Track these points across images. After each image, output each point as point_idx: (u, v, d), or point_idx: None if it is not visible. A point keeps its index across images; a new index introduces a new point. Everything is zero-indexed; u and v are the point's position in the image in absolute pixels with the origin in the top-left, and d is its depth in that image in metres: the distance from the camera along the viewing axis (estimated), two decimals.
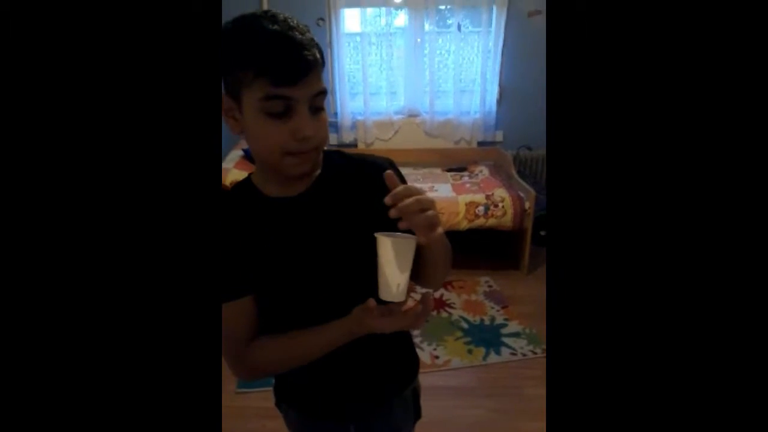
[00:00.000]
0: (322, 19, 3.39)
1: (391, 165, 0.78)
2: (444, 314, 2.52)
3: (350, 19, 3.49)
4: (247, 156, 3.05)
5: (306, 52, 0.62)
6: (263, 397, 2.01)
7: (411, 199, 0.61)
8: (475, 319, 2.47)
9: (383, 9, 3.37)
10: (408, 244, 0.67)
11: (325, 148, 0.74)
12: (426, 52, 3.39)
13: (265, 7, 3.37)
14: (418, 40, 3.39)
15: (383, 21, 3.40)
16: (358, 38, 3.44)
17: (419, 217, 0.62)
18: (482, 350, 2.23)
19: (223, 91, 0.67)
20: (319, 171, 0.76)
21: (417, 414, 1.01)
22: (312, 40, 0.64)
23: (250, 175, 0.79)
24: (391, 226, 0.65)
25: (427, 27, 3.37)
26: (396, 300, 0.69)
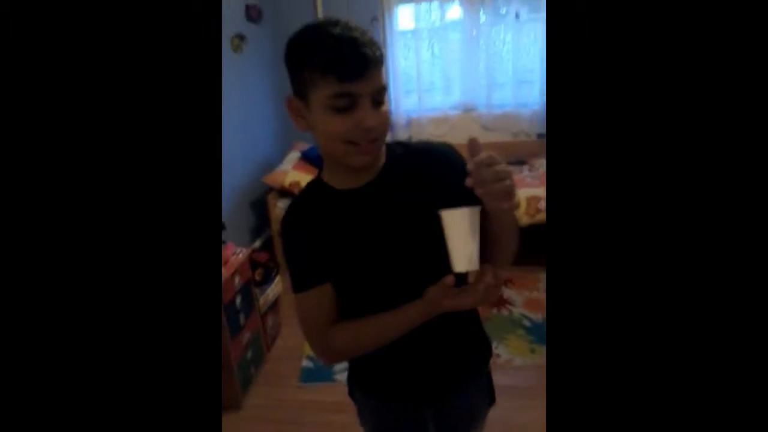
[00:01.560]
0: (376, 18, 3.40)
1: (451, 148, 0.83)
2: (504, 312, 2.43)
3: (403, 16, 3.47)
4: (305, 157, 3.12)
5: (367, 50, 0.67)
6: (325, 390, 2.04)
7: (491, 169, 0.64)
8: (537, 317, 2.37)
9: (436, 3, 3.33)
10: (472, 213, 0.69)
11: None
12: (481, 43, 3.30)
13: (320, 9, 3.43)
14: (474, 32, 3.31)
15: (434, 15, 3.35)
16: (410, 35, 3.42)
17: (496, 186, 0.64)
18: (545, 349, 2.13)
19: (291, 93, 0.75)
20: (383, 162, 0.81)
21: (491, 398, 1.02)
22: (372, 39, 0.69)
23: (319, 173, 0.84)
24: (455, 206, 0.69)
25: (482, 18, 3.28)
26: (470, 269, 0.71)
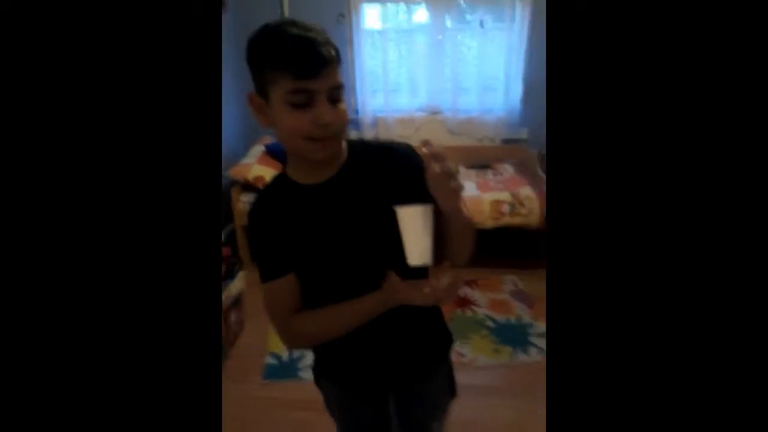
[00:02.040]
0: (342, 15, 3.38)
1: (410, 149, 0.87)
2: (469, 313, 2.47)
3: (370, 16, 3.47)
4: (269, 152, 3.05)
5: (323, 49, 0.71)
6: (288, 388, 1.99)
7: (441, 164, 0.70)
8: (501, 318, 2.42)
9: (403, 5, 3.35)
10: (425, 210, 0.74)
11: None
12: (447, 48, 3.36)
13: (286, 5, 3.37)
14: (440, 36, 3.35)
15: (401, 17, 3.37)
16: (377, 35, 3.43)
17: (447, 183, 0.70)
18: (509, 349, 2.18)
19: (254, 90, 0.78)
20: (344, 158, 0.84)
21: (452, 391, 1.07)
22: (328, 40, 0.73)
23: (284, 168, 0.87)
24: (412, 201, 0.73)
25: (448, 23, 3.33)
26: (424, 263, 0.75)
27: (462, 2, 3.31)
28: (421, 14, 3.42)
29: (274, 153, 3.03)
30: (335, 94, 0.74)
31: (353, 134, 3.44)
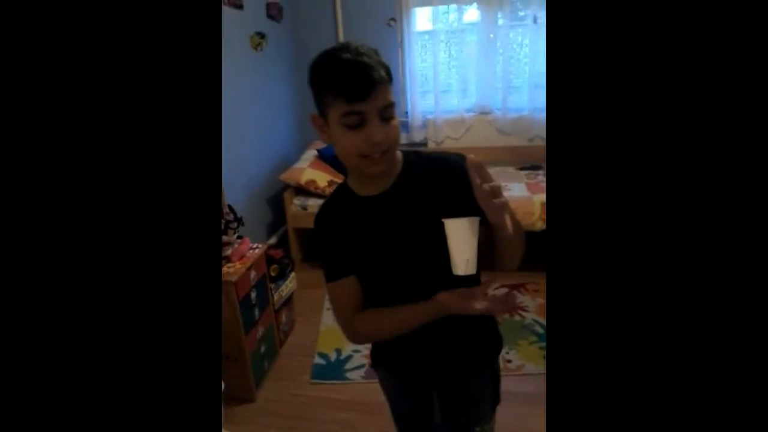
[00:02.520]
0: (394, 20, 3.41)
1: (463, 160, 0.87)
2: (517, 318, 2.43)
3: (421, 18, 3.48)
4: (321, 156, 3.14)
5: (373, 73, 0.76)
6: (337, 389, 2.06)
7: (488, 185, 0.74)
8: None
9: (454, 5, 3.33)
10: (471, 223, 0.78)
11: (400, 149, 0.89)
12: (498, 46, 3.30)
13: (339, 11, 3.45)
14: (491, 35, 3.31)
15: (452, 17, 3.36)
16: (427, 36, 3.43)
17: (492, 201, 0.74)
18: None
19: (316, 111, 0.85)
20: (399, 170, 0.90)
21: (496, 398, 1.09)
22: (379, 62, 0.78)
23: (345, 179, 0.95)
24: (462, 216, 0.78)
25: (500, 21, 3.27)
26: (466, 273, 0.80)
27: None
28: (472, 14, 3.38)
29: (326, 157, 3.12)
30: (387, 112, 0.79)
31: (403, 137, 3.46)
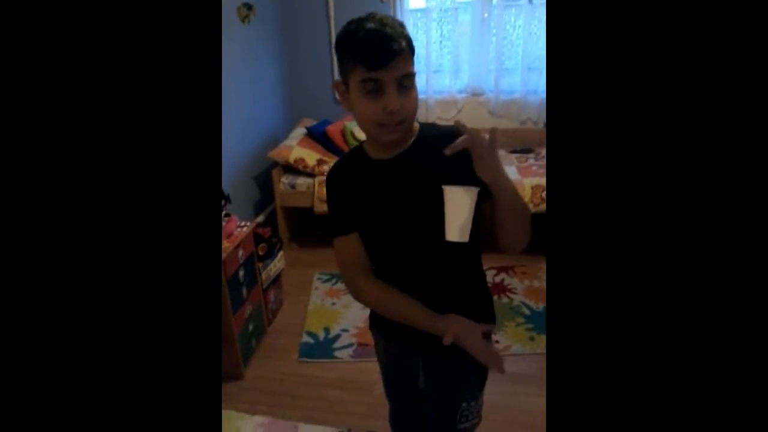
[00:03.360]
0: None
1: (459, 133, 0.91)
2: (505, 299, 2.45)
3: None
4: (310, 134, 3.09)
5: (392, 43, 0.79)
6: (325, 367, 2.06)
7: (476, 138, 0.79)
8: (538, 305, 2.39)
9: None
10: (468, 191, 0.81)
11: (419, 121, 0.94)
12: (492, 26, 3.26)
13: None
14: (485, 14, 3.25)
15: None
16: (419, 14, 3.36)
17: (482, 155, 0.79)
18: (545, 338, 2.16)
19: (339, 78, 0.89)
20: (414, 138, 0.93)
21: (482, 376, 1.10)
22: (402, 33, 0.82)
23: (362, 142, 0.99)
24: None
25: (494, 0, 3.22)
26: (460, 240, 0.82)
27: None
28: None
29: (315, 135, 3.07)
30: (405, 81, 0.82)
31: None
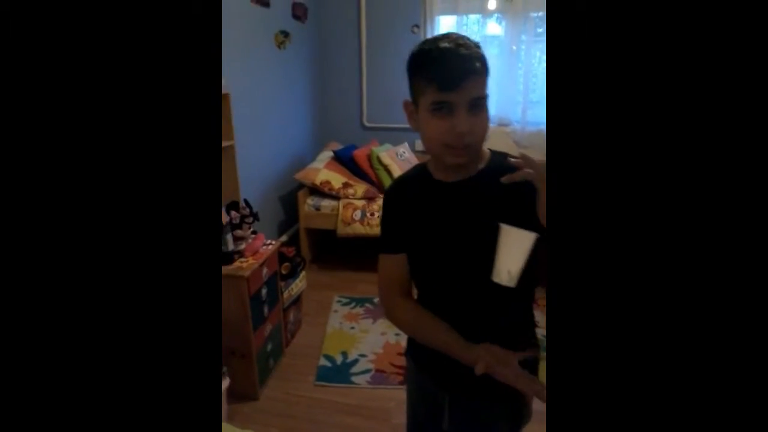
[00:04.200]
0: (417, 26, 3.42)
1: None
2: None
3: (445, 26, 3.48)
4: (337, 157, 3.14)
5: (466, 63, 0.77)
6: (341, 392, 2.03)
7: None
8: None
9: (478, 16, 3.33)
10: (528, 236, 0.76)
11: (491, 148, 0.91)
12: (521, 60, 3.30)
13: (363, 17, 3.46)
14: (514, 47, 3.31)
15: (475, 28, 3.36)
16: None
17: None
18: None
19: (410, 98, 0.87)
20: (482, 166, 0.89)
21: (516, 424, 1.01)
22: (476, 54, 0.79)
23: (427, 162, 0.95)
24: (526, 229, 0.77)
25: (522, 36, 3.27)
26: (505, 284, 0.78)
27: (534, 15, 3.24)
28: (494, 27, 3.38)
29: (342, 159, 3.12)
30: (477, 104, 0.79)
31: (417, 144, 3.46)
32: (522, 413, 1.00)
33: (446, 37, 0.79)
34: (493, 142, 3.39)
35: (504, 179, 0.74)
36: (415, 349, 1.05)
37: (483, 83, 0.80)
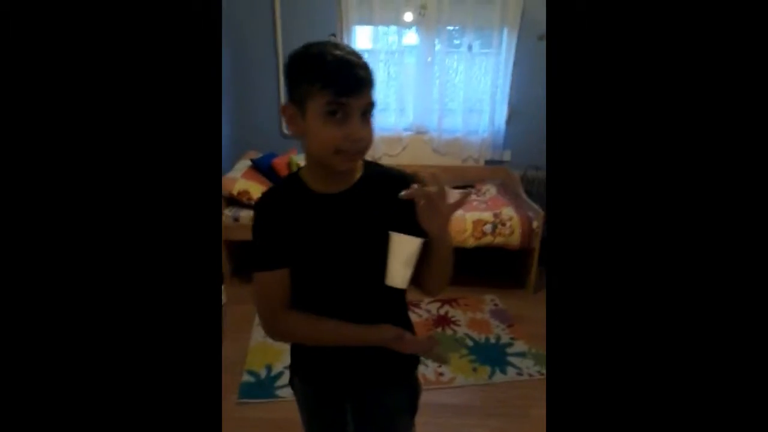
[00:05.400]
0: (334, 35, 3.44)
1: (414, 180, 0.91)
2: (449, 331, 2.48)
3: (361, 36, 3.53)
4: (255, 166, 3.06)
5: (362, 72, 0.80)
6: (267, 408, 1.97)
7: (439, 186, 0.80)
8: (481, 337, 2.44)
9: (394, 27, 3.42)
10: (416, 242, 0.83)
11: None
12: (435, 70, 3.43)
13: (279, 24, 3.42)
14: (429, 59, 3.43)
15: (391, 39, 3.44)
16: (367, 54, 3.48)
17: (439, 205, 0.79)
18: (487, 369, 2.19)
19: (287, 100, 0.85)
20: (359, 176, 0.92)
21: (413, 410, 1.09)
22: (366, 63, 0.82)
23: (299, 170, 0.95)
24: (408, 233, 0.82)
25: (437, 46, 3.41)
26: (399, 287, 0.85)
27: (450, 27, 3.39)
28: (412, 37, 3.49)
29: (260, 168, 3.05)
30: (367, 111, 0.82)
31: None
32: (417, 392, 1.08)
33: (334, 45, 0.81)
34: (411, 150, 3.46)
35: (402, 195, 0.80)
36: (304, 367, 1.06)
37: (372, 92, 0.83)
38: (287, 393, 2.03)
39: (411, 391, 1.07)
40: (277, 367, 2.18)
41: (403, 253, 0.83)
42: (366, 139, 0.83)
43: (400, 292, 0.89)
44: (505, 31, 3.28)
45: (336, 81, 0.78)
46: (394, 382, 1.04)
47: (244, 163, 3.13)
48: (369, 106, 0.82)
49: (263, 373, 2.15)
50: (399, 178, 0.92)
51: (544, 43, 3.26)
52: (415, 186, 0.81)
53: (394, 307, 0.99)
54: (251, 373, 2.15)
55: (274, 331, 0.95)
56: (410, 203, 0.82)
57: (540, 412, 1.95)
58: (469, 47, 3.35)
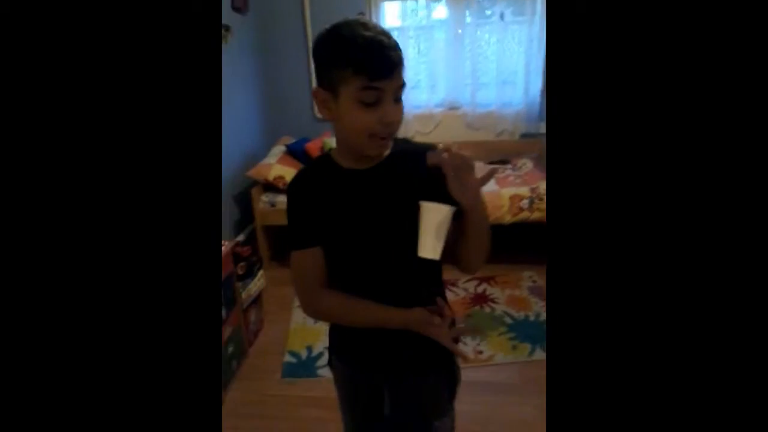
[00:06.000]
0: (362, 14, 3.39)
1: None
2: (487, 309, 2.46)
3: (390, 13, 3.47)
4: (290, 152, 3.10)
5: (393, 53, 0.77)
6: (308, 386, 2.03)
7: (461, 153, 0.78)
8: (519, 314, 2.41)
9: (423, 1, 3.33)
10: (446, 210, 0.80)
11: None
12: (467, 43, 3.33)
13: (306, 3, 3.40)
14: (459, 31, 3.33)
15: (421, 14, 3.36)
16: (396, 32, 3.42)
17: (466, 177, 0.77)
18: (527, 346, 2.17)
19: (316, 85, 0.83)
20: (388, 152, 0.90)
21: (452, 393, 1.06)
22: (396, 43, 0.79)
23: (330, 151, 0.95)
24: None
25: (468, 18, 3.30)
26: (431, 257, 0.82)
27: None
28: (441, 11, 3.40)
29: (294, 153, 3.08)
30: (399, 93, 0.81)
31: None
32: (456, 377, 1.06)
33: (363, 24, 0.77)
34: (444, 127, 3.40)
35: (430, 160, 0.79)
36: (342, 348, 1.06)
37: (403, 73, 0.81)
38: (327, 372, 2.08)
39: (449, 375, 1.05)
40: (318, 348, 2.24)
41: (433, 221, 0.81)
42: (398, 122, 0.82)
43: (435, 268, 0.87)
44: None
45: (369, 66, 0.75)
46: (432, 367, 1.01)
47: (279, 149, 3.17)
48: (401, 88, 0.80)
49: (304, 354, 2.21)
50: (425, 150, 0.90)
51: None
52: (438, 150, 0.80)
53: (429, 282, 0.97)
54: (293, 353, 2.22)
55: (311, 310, 0.96)
56: (440, 176, 0.80)
57: None
58: (501, 16, 3.22)
